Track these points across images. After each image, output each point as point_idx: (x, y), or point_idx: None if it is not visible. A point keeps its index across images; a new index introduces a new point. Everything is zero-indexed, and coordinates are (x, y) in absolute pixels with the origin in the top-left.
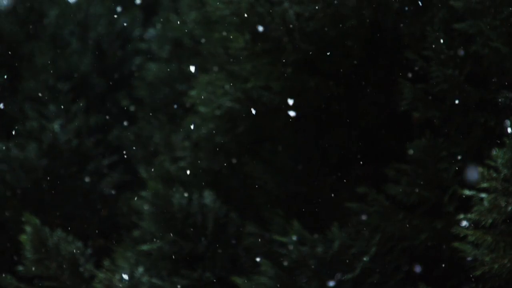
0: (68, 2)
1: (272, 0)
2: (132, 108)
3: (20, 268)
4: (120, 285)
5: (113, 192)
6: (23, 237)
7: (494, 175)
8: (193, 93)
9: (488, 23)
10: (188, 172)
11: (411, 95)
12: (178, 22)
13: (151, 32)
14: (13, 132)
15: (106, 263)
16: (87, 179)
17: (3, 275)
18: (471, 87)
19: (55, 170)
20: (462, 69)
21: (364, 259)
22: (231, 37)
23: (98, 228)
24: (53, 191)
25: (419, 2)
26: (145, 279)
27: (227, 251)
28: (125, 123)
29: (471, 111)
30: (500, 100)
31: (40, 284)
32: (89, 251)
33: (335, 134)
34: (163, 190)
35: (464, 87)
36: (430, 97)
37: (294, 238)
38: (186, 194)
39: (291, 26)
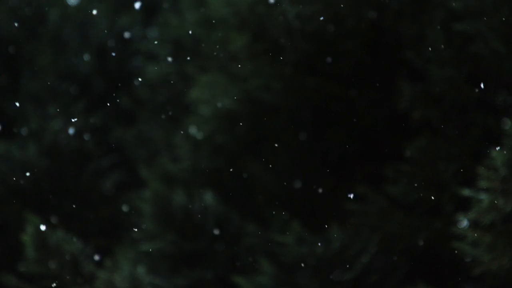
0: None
1: (272, 0)
2: (132, 108)
3: (21, 267)
4: (121, 285)
5: (113, 192)
6: (24, 237)
7: (493, 175)
8: (193, 93)
9: (487, 23)
10: (188, 172)
11: (410, 95)
12: (178, 22)
13: (151, 32)
14: (13, 132)
15: (107, 263)
16: (87, 179)
17: (5, 275)
18: (470, 88)
19: (55, 170)
20: (461, 70)
21: (364, 259)
22: (231, 37)
23: (98, 228)
24: (53, 191)
25: (419, 3)
26: (145, 279)
27: (227, 251)
28: (125, 123)
29: (470, 111)
30: (499, 100)
31: (41, 284)
32: (89, 251)
33: (335, 134)
34: (163, 190)
35: (463, 87)
36: (429, 97)
37: (294, 238)
38: (186, 194)
39: (291, 26)
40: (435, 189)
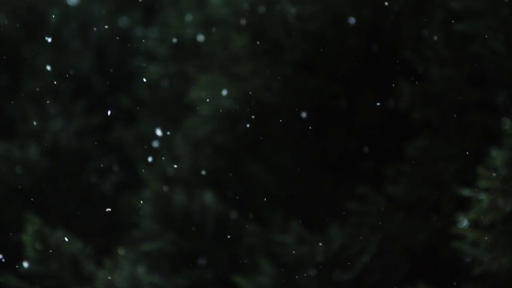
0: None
1: (272, 0)
2: (132, 108)
3: (22, 267)
4: (121, 285)
5: (113, 192)
6: (24, 237)
7: (493, 175)
8: (193, 93)
9: (487, 23)
10: (188, 172)
11: (410, 95)
12: (178, 22)
13: (151, 32)
14: (13, 132)
15: (107, 263)
16: (87, 179)
17: (5, 275)
18: (470, 88)
19: (56, 170)
20: (461, 70)
21: (364, 259)
22: (231, 37)
23: (98, 228)
24: (53, 191)
25: (419, 3)
26: (145, 278)
27: (227, 251)
28: (125, 123)
29: (470, 111)
30: (499, 100)
31: (41, 284)
32: (89, 251)
33: (335, 134)
34: (163, 190)
35: (463, 87)
36: (429, 97)
37: (294, 238)
38: (186, 194)
39: (291, 26)
40: (435, 189)
